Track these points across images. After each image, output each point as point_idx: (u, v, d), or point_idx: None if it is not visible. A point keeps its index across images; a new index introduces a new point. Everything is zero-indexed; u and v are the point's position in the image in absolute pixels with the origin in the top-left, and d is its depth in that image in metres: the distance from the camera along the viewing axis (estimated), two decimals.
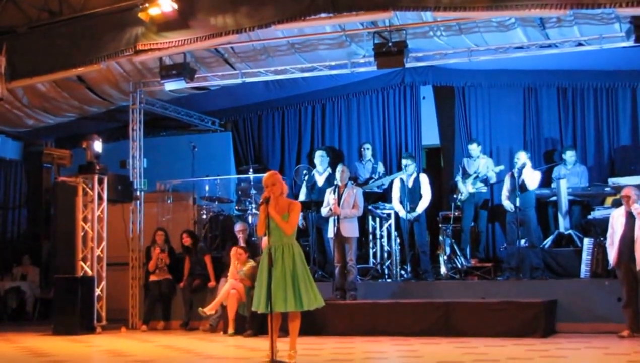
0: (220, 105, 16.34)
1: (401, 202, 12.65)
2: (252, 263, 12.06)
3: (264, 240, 8.89)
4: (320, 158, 13.89)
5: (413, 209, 12.54)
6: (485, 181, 13.41)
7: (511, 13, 10.92)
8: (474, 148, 13.64)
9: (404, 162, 12.81)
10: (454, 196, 13.41)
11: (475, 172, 13.38)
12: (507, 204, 12.39)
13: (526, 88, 14.40)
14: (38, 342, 11.39)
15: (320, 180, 13.69)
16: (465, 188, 13.30)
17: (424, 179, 12.81)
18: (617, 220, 10.45)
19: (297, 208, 8.02)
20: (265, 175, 8.17)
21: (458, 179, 13.57)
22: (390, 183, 13.36)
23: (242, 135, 16.64)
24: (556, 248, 12.66)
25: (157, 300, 13.45)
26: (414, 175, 12.74)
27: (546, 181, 13.24)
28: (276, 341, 7.83)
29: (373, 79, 14.99)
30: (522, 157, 12.40)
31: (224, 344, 10.77)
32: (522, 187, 12.19)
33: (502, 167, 13.44)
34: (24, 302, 16.40)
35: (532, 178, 12.33)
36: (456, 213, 13.29)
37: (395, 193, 12.85)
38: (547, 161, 14.04)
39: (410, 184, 12.62)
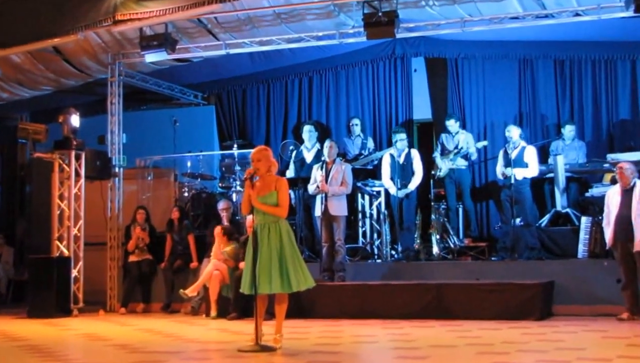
0: (203, 78, 16.13)
1: (392, 179, 12.51)
2: (235, 243, 12.04)
3: (249, 218, 8.81)
4: (308, 133, 13.76)
5: (405, 186, 12.45)
6: (466, 157, 13.23)
7: None
8: (452, 124, 13.40)
9: (394, 136, 12.67)
10: (432, 172, 13.26)
11: (455, 148, 13.17)
12: (503, 171, 12.12)
13: (521, 60, 14.19)
14: (11, 325, 11.34)
15: (309, 156, 13.59)
16: (445, 165, 13.10)
17: (416, 155, 12.74)
18: (612, 199, 10.36)
19: (284, 186, 7.89)
20: (253, 150, 8.03)
21: (437, 155, 13.41)
22: (380, 160, 13.24)
23: (225, 109, 16.45)
24: (553, 227, 12.53)
25: (136, 281, 13.44)
26: (405, 150, 12.63)
27: (543, 157, 13.04)
28: (261, 324, 7.78)
29: (362, 51, 14.77)
30: (513, 131, 12.28)
31: (207, 327, 10.77)
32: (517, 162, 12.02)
33: (485, 143, 13.38)
34: None
35: (531, 166, 12.10)
36: (437, 191, 13.20)
37: (386, 170, 12.72)
38: (543, 136, 13.88)
39: (401, 160, 12.52)
